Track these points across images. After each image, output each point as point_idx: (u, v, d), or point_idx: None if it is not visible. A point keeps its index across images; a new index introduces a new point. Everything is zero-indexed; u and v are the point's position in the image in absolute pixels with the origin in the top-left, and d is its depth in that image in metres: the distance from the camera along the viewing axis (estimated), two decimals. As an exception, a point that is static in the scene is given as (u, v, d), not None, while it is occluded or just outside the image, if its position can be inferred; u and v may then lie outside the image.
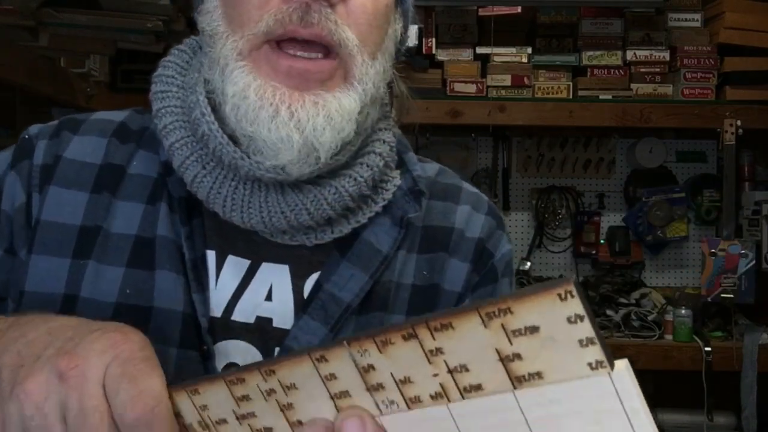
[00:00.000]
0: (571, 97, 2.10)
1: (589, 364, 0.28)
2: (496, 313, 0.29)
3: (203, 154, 0.61)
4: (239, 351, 0.60)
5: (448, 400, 0.32)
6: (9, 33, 1.61)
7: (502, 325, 0.29)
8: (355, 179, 0.62)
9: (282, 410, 0.36)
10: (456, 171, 0.76)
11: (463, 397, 0.31)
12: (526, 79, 2.08)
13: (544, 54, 2.13)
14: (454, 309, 0.31)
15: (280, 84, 0.56)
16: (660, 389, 2.18)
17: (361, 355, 0.33)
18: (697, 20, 2.13)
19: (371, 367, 0.33)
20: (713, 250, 1.99)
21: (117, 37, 1.75)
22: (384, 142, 0.66)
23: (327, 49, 0.57)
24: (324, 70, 0.57)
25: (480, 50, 2.09)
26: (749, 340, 1.90)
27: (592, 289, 2.14)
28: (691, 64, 2.07)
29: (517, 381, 0.30)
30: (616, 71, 2.11)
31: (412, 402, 0.33)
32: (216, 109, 0.60)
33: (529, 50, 2.11)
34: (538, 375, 0.29)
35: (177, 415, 0.39)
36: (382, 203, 0.65)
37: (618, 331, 2.01)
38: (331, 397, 0.35)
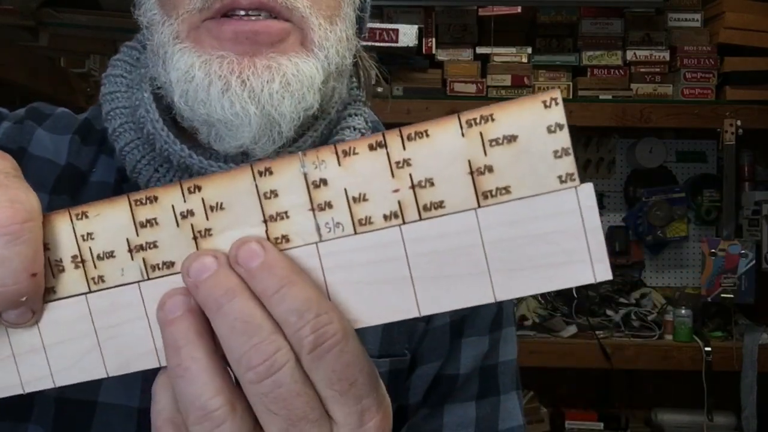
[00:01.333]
0: (571, 97, 2.10)
1: (559, 177, 0.28)
2: (477, 120, 0.28)
3: (155, 156, 0.56)
4: None
5: (403, 221, 0.29)
6: (9, 33, 1.61)
7: (481, 134, 0.28)
8: None
9: (195, 238, 0.31)
10: None
11: (420, 218, 0.29)
12: (526, 79, 2.08)
13: (544, 54, 2.13)
14: (433, 120, 0.29)
15: (227, 52, 0.50)
16: (660, 389, 2.18)
17: (315, 167, 0.30)
18: (697, 20, 2.13)
19: (323, 182, 0.30)
20: (713, 250, 1.99)
21: (117, 37, 1.75)
22: (354, 128, 0.60)
23: (275, 19, 0.51)
24: (274, 30, 0.50)
25: (480, 50, 2.09)
26: (749, 340, 1.90)
27: (592, 289, 2.14)
28: (691, 64, 2.07)
29: (483, 197, 0.29)
30: (616, 71, 2.11)
31: (361, 224, 0.30)
32: (171, 106, 0.55)
33: (529, 50, 2.11)
34: (506, 190, 0.28)
35: (45, 247, 0.32)
36: None
37: (618, 331, 2.01)
38: (264, 221, 0.30)
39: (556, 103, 0.27)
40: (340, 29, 0.55)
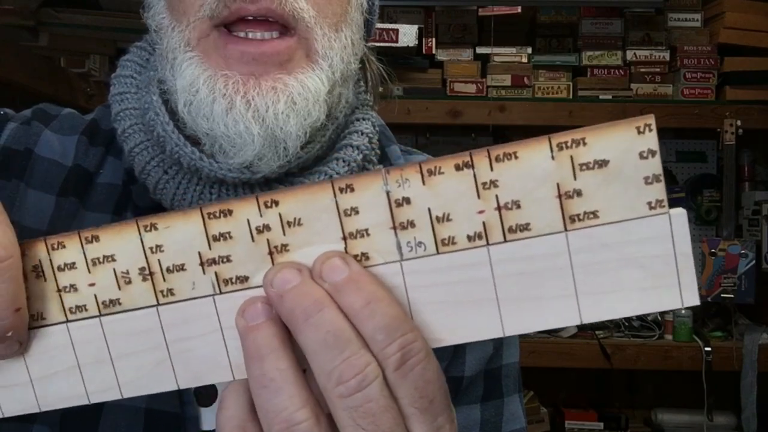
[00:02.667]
0: (571, 97, 2.10)
1: (649, 203, 0.28)
2: (569, 143, 0.28)
3: (164, 158, 0.56)
4: None
5: (488, 242, 0.29)
6: (9, 33, 1.61)
7: (571, 157, 0.28)
8: (330, 176, 0.56)
9: (270, 253, 0.30)
10: None
11: (504, 239, 0.29)
12: (526, 79, 2.08)
13: (544, 54, 2.13)
14: (522, 140, 0.29)
15: (233, 72, 0.50)
16: (660, 389, 2.18)
17: (399, 186, 0.29)
18: (697, 20, 2.13)
19: (406, 200, 0.29)
20: (713, 250, 1.99)
21: (117, 37, 1.75)
22: (362, 133, 0.60)
23: (282, 27, 0.51)
24: (281, 50, 0.51)
25: (480, 50, 2.09)
26: (749, 340, 1.90)
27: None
28: (691, 64, 2.07)
29: (571, 220, 0.29)
30: (616, 71, 2.11)
31: (444, 244, 0.29)
32: (174, 110, 0.54)
33: (529, 50, 2.11)
34: (594, 214, 0.28)
35: (111, 258, 0.31)
36: None
37: (618, 331, 2.01)
38: (343, 238, 0.30)
39: (650, 129, 0.27)
40: (345, 35, 0.55)
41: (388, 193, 0.29)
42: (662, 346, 1.94)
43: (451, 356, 0.64)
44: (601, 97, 2.07)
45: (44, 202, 0.57)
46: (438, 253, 0.30)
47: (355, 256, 0.30)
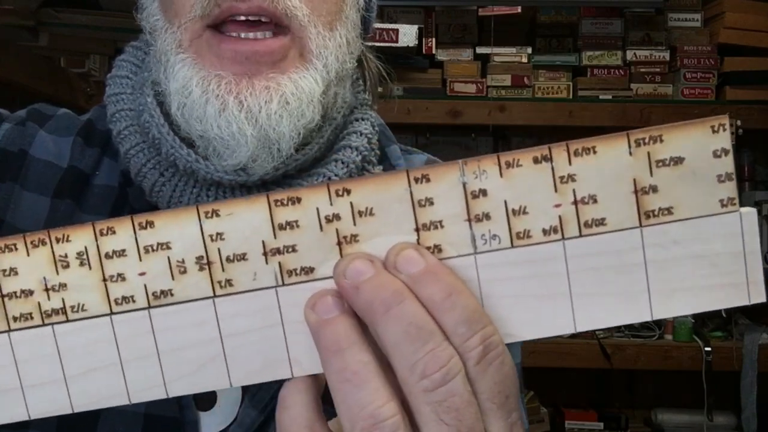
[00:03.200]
0: (571, 97, 2.10)
1: (721, 201, 0.29)
2: (646, 140, 0.29)
3: (160, 160, 0.55)
4: None
5: (563, 236, 0.29)
6: (9, 33, 1.61)
7: (648, 154, 0.29)
8: (329, 178, 0.56)
9: (339, 244, 0.29)
10: None
11: (580, 234, 0.29)
12: (526, 79, 2.08)
13: (544, 54, 2.13)
14: (601, 135, 0.29)
15: (226, 72, 0.49)
16: (660, 389, 2.18)
17: (476, 177, 0.29)
18: (697, 20, 2.13)
19: (482, 192, 0.29)
20: (713, 250, 1.98)
21: (117, 37, 1.75)
22: (361, 134, 0.59)
23: (275, 26, 0.50)
24: (274, 49, 0.50)
25: (480, 50, 2.09)
26: (749, 340, 1.90)
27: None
28: (691, 64, 2.07)
29: (645, 216, 0.29)
30: (616, 71, 2.11)
31: (519, 237, 0.29)
32: (168, 112, 0.54)
33: (529, 50, 2.11)
34: (668, 210, 0.29)
35: (166, 246, 0.30)
36: None
37: (618, 331, 2.01)
38: (416, 229, 0.29)
39: (724, 129, 0.28)
40: (340, 34, 0.54)
41: (464, 184, 0.29)
42: (662, 346, 1.94)
43: None
44: (601, 97, 2.07)
45: (39, 204, 0.57)
46: (512, 246, 0.29)
47: (428, 248, 0.29)
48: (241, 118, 0.49)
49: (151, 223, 0.29)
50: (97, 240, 0.29)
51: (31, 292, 0.30)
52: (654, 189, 0.29)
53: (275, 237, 0.29)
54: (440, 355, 0.28)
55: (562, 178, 0.29)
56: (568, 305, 0.30)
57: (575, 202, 0.29)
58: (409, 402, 0.29)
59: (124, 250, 0.29)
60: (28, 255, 0.29)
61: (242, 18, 0.50)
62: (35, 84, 1.60)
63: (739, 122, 1.96)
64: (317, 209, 0.29)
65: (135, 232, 0.29)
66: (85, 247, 0.29)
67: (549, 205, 0.29)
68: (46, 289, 0.30)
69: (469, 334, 0.29)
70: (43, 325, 0.30)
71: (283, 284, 0.30)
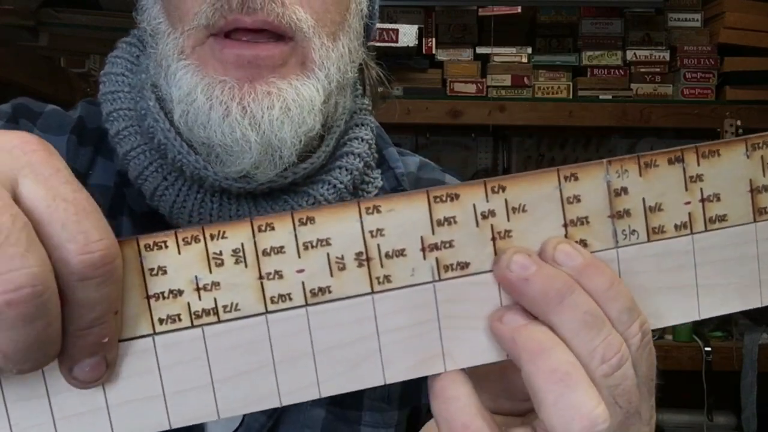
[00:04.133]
0: (571, 97, 2.10)
1: None
2: (760, 144, 0.32)
3: (163, 163, 0.54)
4: None
5: (691, 231, 0.32)
6: (9, 33, 1.61)
7: (762, 157, 0.32)
8: (334, 185, 0.56)
9: (493, 239, 0.30)
10: (456, 171, 0.73)
11: (705, 229, 0.32)
12: (526, 79, 2.08)
13: (544, 54, 2.13)
14: (724, 140, 0.32)
15: (229, 77, 0.49)
16: (660, 389, 2.18)
17: (618, 176, 0.31)
18: (697, 20, 2.13)
19: (624, 190, 0.31)
20: (713, 250, 1.98)
21: (117, 37, 1.75)
22: (362, 140, 0.60)
23: (279, 36, 0.50)
24: (275, 54, 0.50)
25: (480, 50, 2.09)
26: (749, 340, 1.90)
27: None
28: (691, 64, 2.07)
29: (758, 213, 0.32)
30: (616, 71, 2.10)
31: (654, 232, 0.32)
32: (168, 116, 0.54)
33: (529, 50, 2.11)
34: None
35: (326, 242, 0.29)
36: None
37: (618, 331, 2.01)
38: (564, 225, 0.31)
39: None
40: (343, 44, 0.54)
41: (608, 182, 0.31)
42: (662, 346, 1.94)
43: None
44: (601, 97, 2.07)
45: None
46: (649, 240, 0.32)
47: (575, 242, 0.31)
48: (244, 124, 0.49)
49: (311, 219, 0.29)
50: (254, 237, 0.28)
51: (180, 292, 0.28)
52: (766, 188, 0.32)
53: (433, 233, 0.30)
54: (614, 342, 0.30)
55: (691, 177, 0.32)
56: (694, 294, 0.32)
57: (702, 200, 0.32)
58: None
59: (282, 247, 0.29)
60: (179, 253, 0.28)
61: (245, 38, 0.50)
62: (35, 84, 1.60)
63: (739, 122, 1.96)
64: (474, 205, 0.30)
65: (295, 229, 0.29)
66: (242, 244, 0.28)
67: (680, 203, 0.32)
68: (197, 289, 0.28)
69: (630, 322, 0.31)
70: (192, 327, 0.29)
71: (440, 279, 0.30)
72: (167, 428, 0.29)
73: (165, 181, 0.54)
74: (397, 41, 1.96)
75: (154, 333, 0.28)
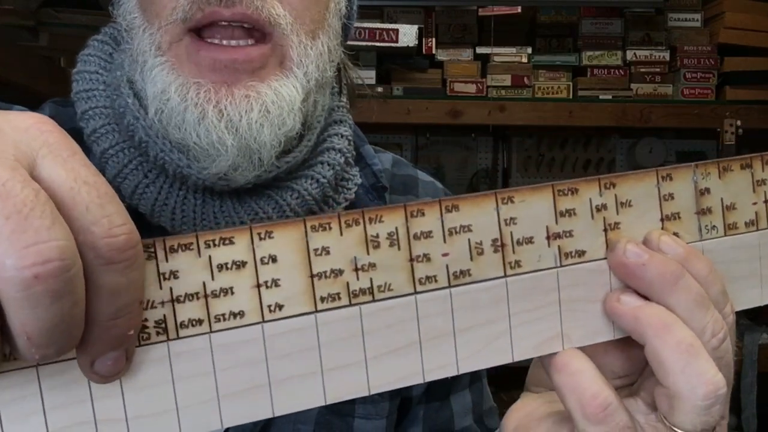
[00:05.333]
0: (571, 97, 2.10)
1: None
2: None
3: (143, 161, 0.53)
4: None
5: (757, 227, 0.37)
6: (9, 33, 1.61)
7: None
8: (317, 180, 0.56)
9: (605, 230, 0.34)
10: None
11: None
12: (526, 79, 2.08)
13: (544, 54, 2.13)
14: None
15: (205, 80, 0.48)
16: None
17: (703, 178, 0.35)
18: (697, 20, 2.13)
19: (707, 190, 0.35)
20: (713, 250, 1.98)
21: (117, 37, 1.75)
22: (342, 136, 0.60)
23: (258, 32, 0.50)
24: (254, 57, 0.49)
25: (480, 50, 2.09)
26: (749, 340, 1.90)
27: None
28: (691, 64, 2.07)
29: None
30: (616, 71, 2.10)
31: (729, 228, 0.36)
32: (147, 112, 0.52)
33: (529, 50, 2.11)
34: None
35: (467, 229, 0.31)
36: (345, 203, 0.59)
37: (618, 331, 2.00)
38: (661, 219, 0.35)
39: None
40: (322, 42, 0.54)
41: (695, 183, 0.35)
42: (662, 346, 1.94)
43: None
44: (601, 97, 2.07)
45: None
46: (725, 235, 0.36)
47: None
48: (221, 128, 0.48)
49: (456, 207, 0.31)
50: (407, 221, 0.30)
51: (341, 272, 0.30)
52: None
53: (557, 223, 0.33)
54: (718, 318, 0.34)
55: (758, 181, 0.36)
56: (758, 283, 0.37)
57: (766, 201, 0.37)
58: None
59: (430, 232, 0.31)
60: (341, 234, 0.29)
61: (224, 23, 0.49)
62: (35, 84, 1.60)
63: (739, 122, 1.96)
64: (590, 199, 0.33)
65: (442, 215, 0.31)
66: (396, 228, 0.30)
67: (749, 203, 0.36)
68: (356, 269, 0.30)
69: (725, 303, 0.35)
70: (350, 305, 0.30)
71: (561, 265, 0.33)
72: (322, 404, 0.30)
73: (146, 179, 0.53)
74: (397, 41, 1.96)
75: (316, 311, 0.29)
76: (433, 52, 2.08)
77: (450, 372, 0.32)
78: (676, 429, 0.33)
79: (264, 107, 0.49)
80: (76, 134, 0.55)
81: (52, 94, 0.69)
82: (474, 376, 0.71)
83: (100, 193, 0.25)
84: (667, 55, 2.11)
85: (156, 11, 0.50)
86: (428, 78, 2.09)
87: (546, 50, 2.14)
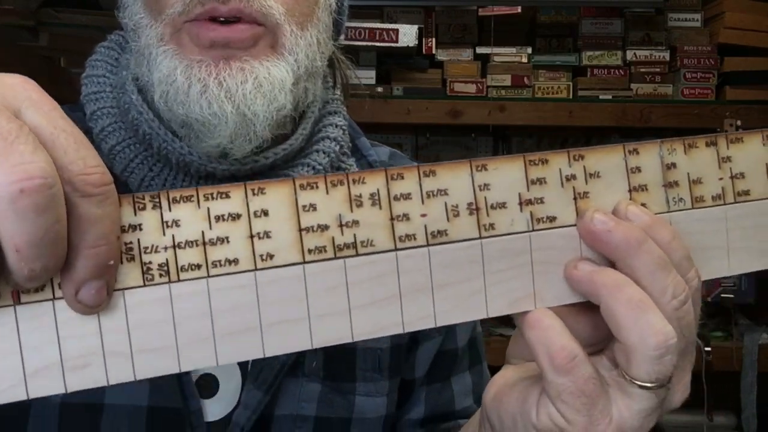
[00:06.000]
0: (571, 97, 2.10)
1: None
2: None
3: (148, 155, 0.57)
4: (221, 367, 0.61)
5: (724, 202, 0.39)
6: (9, 33, 1.61)
7: None
8: (314, 167, 0.61)
9: (575, 198, 0.37)
10: None
11: (735, 201, 0.39)
12: (526, 79, 2.08)
13: (544, 54, 2.13)
14: (744, 131, 0.40)
15: (205, 57, 0.53)
16: (660, 389, 2.18)
17: (669, 153, 0.38)
18: (697, 20, 2.13)
19: (673, 165, 0.38)
20: (713, 250, 1.98)
21: (117, 37, 1.75)
22: (336, 126, 0.65)
23: (251, 24, 0.54)
24: (246, 37, 0.54)
25: (480, 50, 2.09)
26: (749, 340, 1.90)
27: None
28: (691, 64, 2.07)
29: None
30: (616, 71, 2.11)
31: (696, 201, 0.39)
32: (150, 106, 0.57)
33: (529, 50, 2.11)
34: None
35: (444, 192, 0.34)
36: None
37: (618, 331, 2.01)
38: (629, 190, 0.37)
39: None
40: (311, 34, 0.58)
41: (662, 158, 0.38)
42: (662, 346, 1.94)
43: (445, 331, 0.70)
44: (601, 97, 2.07)
45: None
46: (693, 207, 0.38)
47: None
48: (221, 97, 0.52)
49: (433, 172, 0.34)
50: (388, 183, 0.33)
51: (327, 227, 0.32)
52: None
53: (528, 190, 0.35)
54: (680, 282, 0.36)
55: (723, 158, 0.38)
56: (725, 255, 0.39)
57: (732, 177, 0.39)
58: None
59: (409, 194, 0.33)
60: (327, 193, 0.32)
61: (221, 18, 0.53)
62: (35, 84, 1.59)
63: (739, 122, 1.96)
64: (560, 170, 0.36)
65: (420, 179, 0.34)
66: (377, 189, 0.33)
67: (715, 178, 0.38)
68: (341, 225, 0.33)
69: (689, 268, 0.37)
70: (336, 258, 0.33)
71: (534, 230, 0.36)
72: (309, 348, 0.32)
73: (151, 171, 0.57)
74: (397, 41, 1.96)
75: (304, 262, 0.32)
76: (433, 52, 2.08)
77: (428, 324, 0.34)
78: (634, 381, 0.36)
79: (257, 81, 0.53)
80: (86, 134, 0.58)
81: (52, 94, 0.71)
82: (474, 359, 0.73)
83: (76, 140, 0.29)
84: (667, 55, 2.11)
85: (159, 8, 0.55)
86: (428, 78, 2.09)
87: (546, 50, 2.14)
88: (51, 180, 0.26)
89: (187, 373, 0.57)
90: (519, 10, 2.01)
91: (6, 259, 0.27)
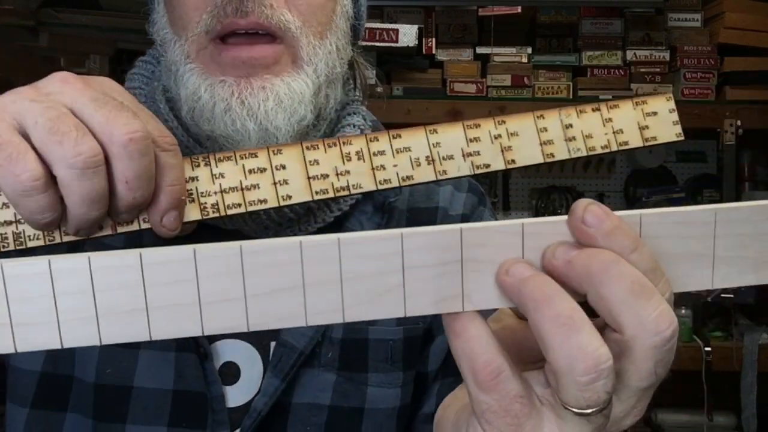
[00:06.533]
0: (571, 97, 2.10)
1: None
2: (641, 102, 0.46)
3: None
4: (237, 350, 0.62)
5: (610, 149, 0.45)
6: (9, 33, 1.61)
7: (642, 110, 0.46)
8: None
9: (502, 151, 0.44)
10: None
11: (618, 149, 0.45)
12: (526, 79, 2.08)
13: (544, 54, 2.13)
14: (618, 99, 0.46)
15: (228, 77, 0.56)
16: (660, 389, 2.17)
17: (566, 117, 0.45)
18: (697, 20, 2.13)
19: (570, 125, 0.45)
20: (713, 250, 1.98)
21: (117, 37, 1.75)
22: (354, 126, 0.67)
23: (271, 36, 0.57)
24: (268, 55, 0.57)
25: (480, 50, 2.09)
26: (749, 340, 1.91)
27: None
28: (691, 64, 2.08)
29: None
30: (616, 71, 2.11)
31: (590, 150, 0.45)
32: (178, 116, 0.61)
33: (529, 50, 2.11)
34: None
35: (407, 149, 0.43)
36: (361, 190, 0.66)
37: (618, 331, 2.01)
38: (540, 143, 0.44)
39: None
40: (330, 42, 0.61)
41: (561, 120, 0.45)
42: (662, 346, 1.94)
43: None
44: (601, 97, 2.07)
45: None
46: (587, 153, 0.45)
47: (550, 154, 0.45)
48: (243, 115, 0.56)
49: (399, 135, 0.44)
50: (368, 144, 0.43)
51: (327, 176, 0.43)
52: None
53: (467, 145, 0.44)
54: (666, 310, 0.31)
55: (605, 120, 0.45)
56: (709, 264, 0.34)
57: (614, 132, 0.45)
58: (623, 355, 0.31)
59: (384, 151, 0.43)
60: (326, 152, 0.43)
61: (242, 32, 0.56)
62: (35, 84, 1.59)
63: (739, 122, 1.96)
64: (489, 131, 0.44)
65: (390, 141, 0.44)
66: (361, 148, 0.43)
67: (602, 134, 0.45)
68: (337, 174, 0.43)
69: (659, 279, 0.32)
70: (335, 197, 0.43)
71: (476, 174, 0.45)
72: (303, 316, 0.33)
73: None
74: (397, 41, 1.96)
75: (313, 200, 0.42)
76: (433, 52, 2.08)
77: (401, 312, 0.35)
78: (566, 406, 0.31)
79: (277, 97, 0.57)
80: None
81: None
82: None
83: (151, 116, 0.40)
84: (667, 55, 2.11)
85: (183, 25, 0.58)
86: (428, 78, 2.09)
87: (546, 50, 2.14)
88: (147, 134, 0.37)
89: (211, 361, 0.61)
90: (519, 10, 2.01)
91: (116, 190, 0.37)
